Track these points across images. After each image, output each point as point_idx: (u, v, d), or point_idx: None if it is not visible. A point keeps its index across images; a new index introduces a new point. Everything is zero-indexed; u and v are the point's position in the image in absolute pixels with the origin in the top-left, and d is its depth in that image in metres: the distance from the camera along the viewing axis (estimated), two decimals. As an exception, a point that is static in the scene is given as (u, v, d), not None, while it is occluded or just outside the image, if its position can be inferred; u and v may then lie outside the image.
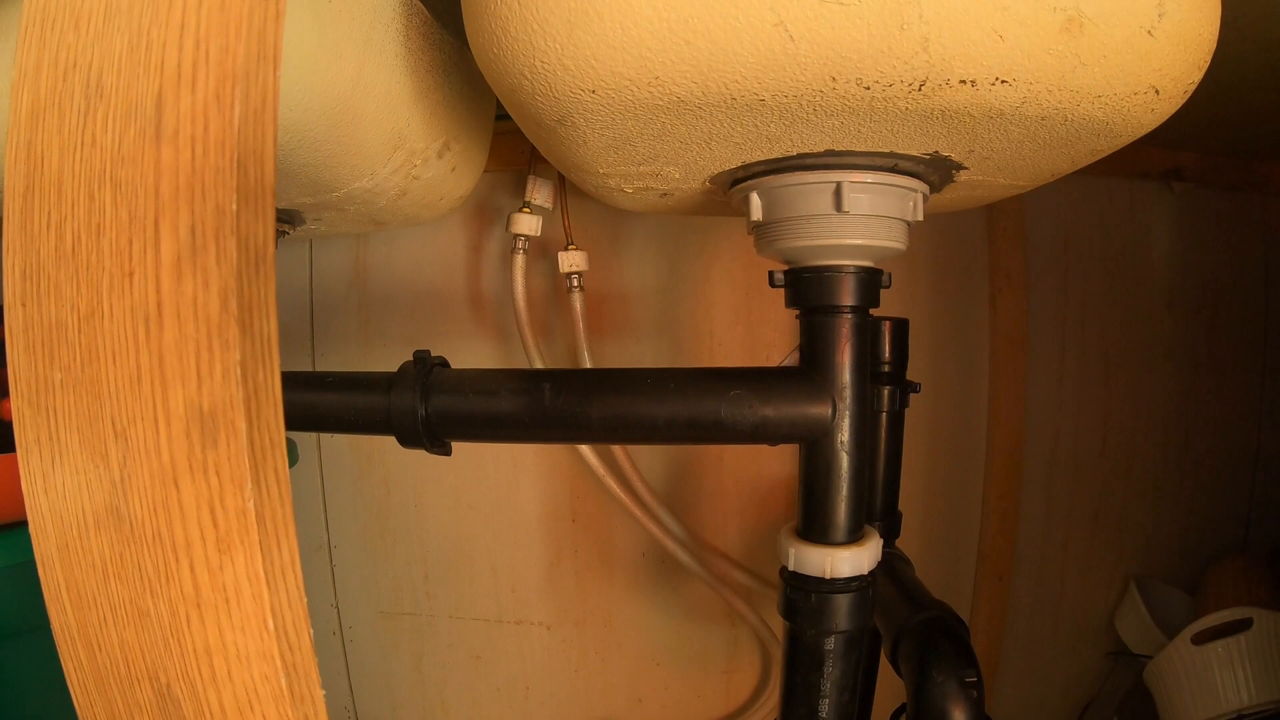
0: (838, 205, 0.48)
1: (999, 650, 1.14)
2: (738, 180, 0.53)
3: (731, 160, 0.50)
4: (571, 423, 0.54)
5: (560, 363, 1.01)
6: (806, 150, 0.47)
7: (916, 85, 0.38)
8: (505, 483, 1.14)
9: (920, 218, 0.52)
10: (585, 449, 0.96)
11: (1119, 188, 1.13)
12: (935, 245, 1.10)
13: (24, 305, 0.27)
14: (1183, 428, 1.17)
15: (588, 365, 0.93)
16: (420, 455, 1.11)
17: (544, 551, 1.15)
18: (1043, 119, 0.42)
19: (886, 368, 0.76)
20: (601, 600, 1.16)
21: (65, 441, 0.26)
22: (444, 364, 0.60)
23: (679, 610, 1.14)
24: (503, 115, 0.88)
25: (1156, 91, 0.43)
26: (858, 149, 0.46)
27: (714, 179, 0.55)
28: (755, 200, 0.52)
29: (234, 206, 0.23)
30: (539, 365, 0.93)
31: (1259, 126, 0.99)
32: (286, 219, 0.80)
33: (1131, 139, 0.48)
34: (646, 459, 1.06)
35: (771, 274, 0.54)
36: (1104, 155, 0.51)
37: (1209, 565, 1.12)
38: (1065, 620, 1.18)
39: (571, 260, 0.91)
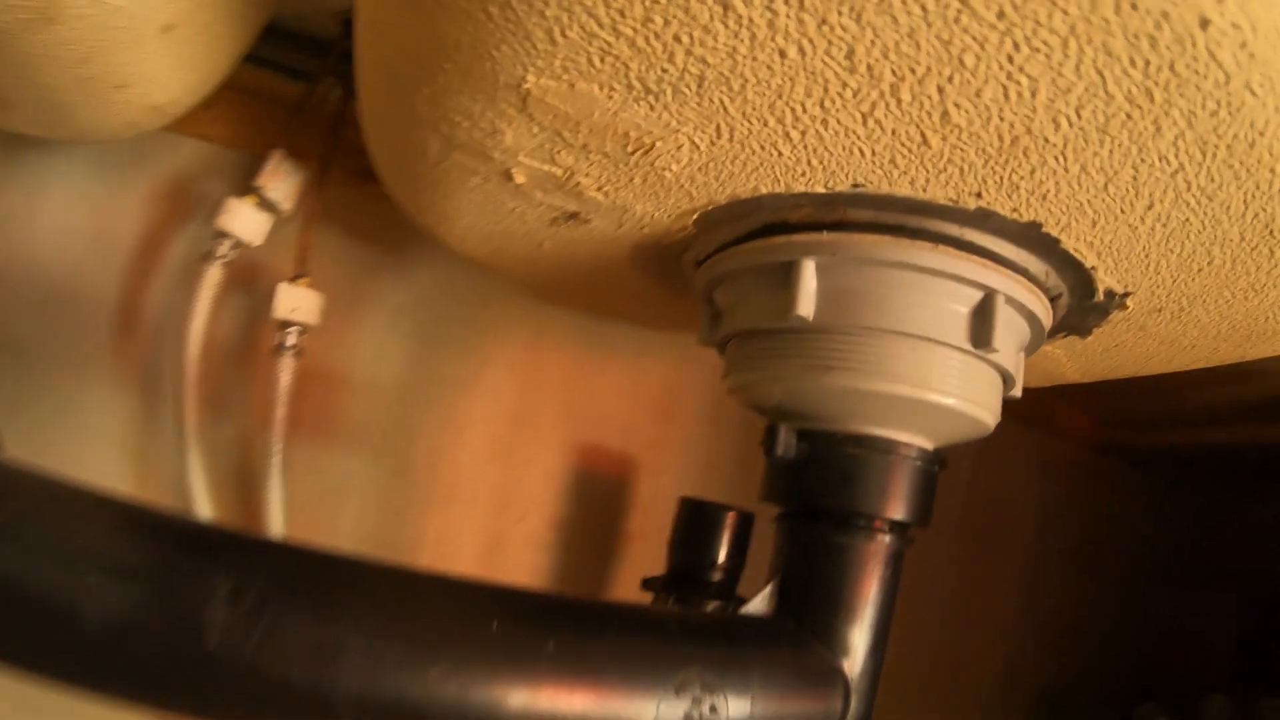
0: (978, 335, 0.24)
1: None
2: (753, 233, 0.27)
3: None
4: (283, 696, 0.21)
5: (231, 460, 0.62)
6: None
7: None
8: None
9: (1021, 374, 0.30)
10: None
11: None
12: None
13: None
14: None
15: (276, 477, 0.57)
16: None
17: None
18: None
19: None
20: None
21: None
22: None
23: None
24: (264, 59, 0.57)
25: None
26: (1002, 211, 0.22)
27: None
28: (806, 275, 0.25)
29: None
30: (195, 464, 0.55)
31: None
32: None
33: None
34: None
35: (775, 431, 0.27)
36: None
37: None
38: None
39: (296, 302, 0.56)
